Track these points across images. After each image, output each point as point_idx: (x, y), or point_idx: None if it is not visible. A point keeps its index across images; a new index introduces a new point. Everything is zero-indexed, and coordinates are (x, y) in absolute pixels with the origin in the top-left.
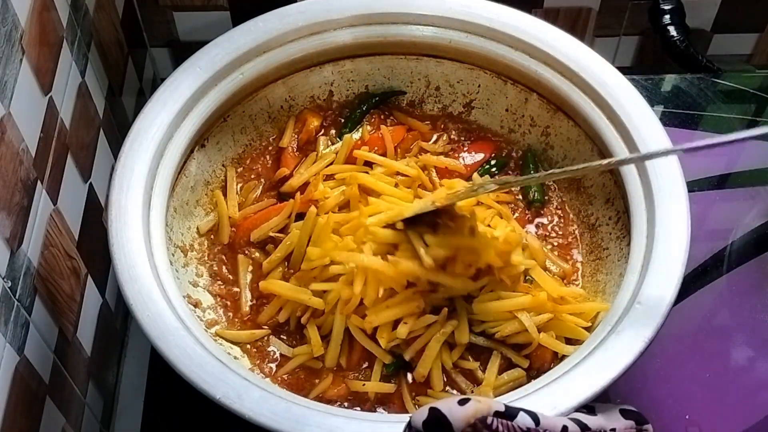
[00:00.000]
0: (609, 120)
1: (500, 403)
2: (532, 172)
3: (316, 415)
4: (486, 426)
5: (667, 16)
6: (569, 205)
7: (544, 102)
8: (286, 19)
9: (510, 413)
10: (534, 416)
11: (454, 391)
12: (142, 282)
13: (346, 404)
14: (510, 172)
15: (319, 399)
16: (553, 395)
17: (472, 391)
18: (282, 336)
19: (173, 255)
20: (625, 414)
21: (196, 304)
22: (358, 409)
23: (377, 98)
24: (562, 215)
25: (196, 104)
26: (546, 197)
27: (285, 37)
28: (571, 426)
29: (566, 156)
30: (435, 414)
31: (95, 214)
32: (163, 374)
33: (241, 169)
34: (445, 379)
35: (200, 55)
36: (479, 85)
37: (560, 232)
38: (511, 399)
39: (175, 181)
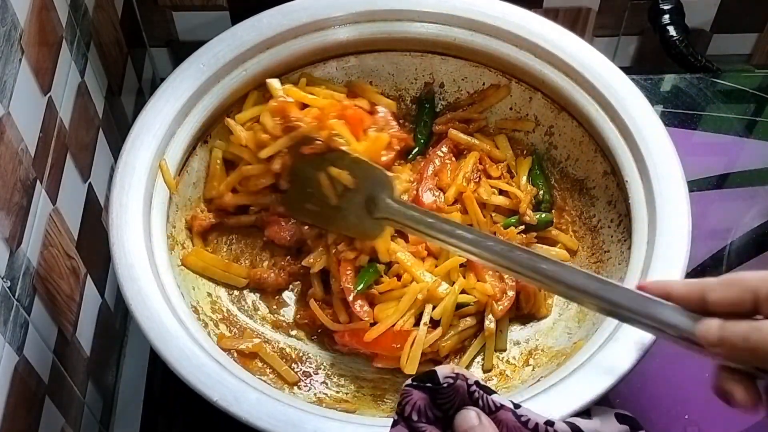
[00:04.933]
0: (612, 121)
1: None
2: (537, 173)
3: (312, 419)
4: (468, 384)
5: (667, 16)
6: (571, 206)
7: (548, 101)
8: (290, 15)
9: (488, 389)
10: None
11: None
12: (141, 282)
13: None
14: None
15: None
16: (549, 402)
17: None
18: None
19: (174, 254)
20: (621, 419)
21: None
22: None
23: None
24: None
25: (198, 101)
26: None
27: (288, 34)
28: (561, 426)
29: (569, 156)
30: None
31: (94, 213)
32: (162, 374)
33: None
34: None
35: (203, 52)
36: (484, 83)
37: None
38: None
39: (177, 178)
